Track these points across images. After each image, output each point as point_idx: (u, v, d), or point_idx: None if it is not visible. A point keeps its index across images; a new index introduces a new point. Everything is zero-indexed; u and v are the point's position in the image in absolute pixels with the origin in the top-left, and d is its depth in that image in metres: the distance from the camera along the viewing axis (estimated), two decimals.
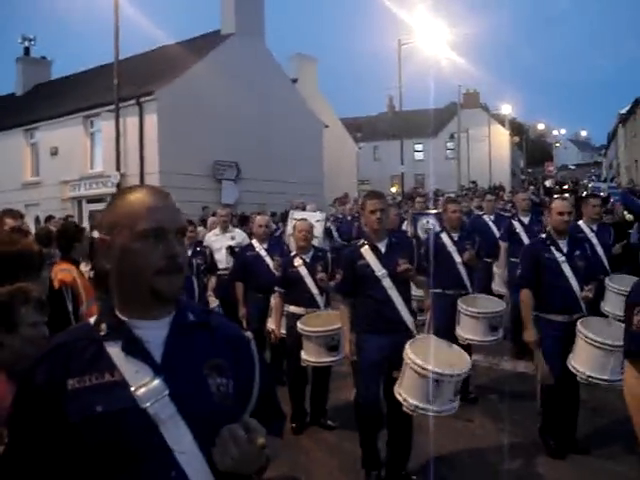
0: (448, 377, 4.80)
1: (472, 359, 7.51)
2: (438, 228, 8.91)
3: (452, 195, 19.56)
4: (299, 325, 6.48)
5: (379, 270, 5.36)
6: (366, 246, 5.49)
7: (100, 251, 1.81)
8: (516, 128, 68.06)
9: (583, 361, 5.52)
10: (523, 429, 6.46)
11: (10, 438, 1.79)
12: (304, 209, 12.54)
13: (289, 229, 10.84)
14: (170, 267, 1.78)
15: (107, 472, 1.67)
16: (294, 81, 31.46)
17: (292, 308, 6.93)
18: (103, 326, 1.79)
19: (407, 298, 5.50)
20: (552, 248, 5.99)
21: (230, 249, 9.68)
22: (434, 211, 13.34)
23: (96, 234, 1.92)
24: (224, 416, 1.74)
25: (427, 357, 4.86)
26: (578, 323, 5.62)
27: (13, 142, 27.62)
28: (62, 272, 5.46)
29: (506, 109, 63.41)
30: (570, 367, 5.60)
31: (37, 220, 16.03)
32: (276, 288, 7.15)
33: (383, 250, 5.44)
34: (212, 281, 8.94)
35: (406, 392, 4.92)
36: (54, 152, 25.64)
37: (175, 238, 1.81)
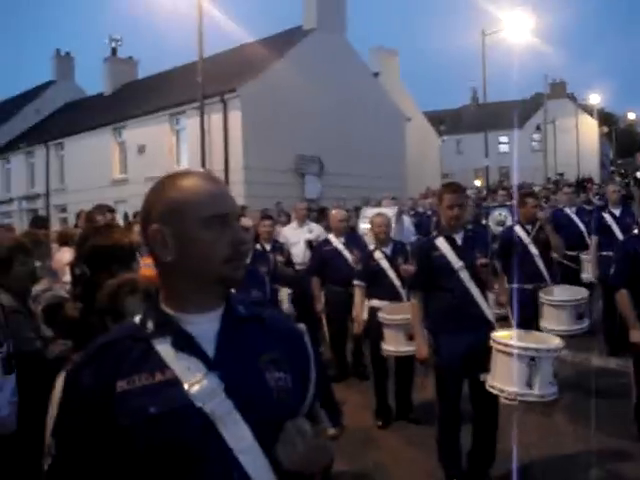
0: (544, 352, 4.58)
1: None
2: (510, 221, 8.70)
3: (536, 188, 19.05)
4: (380, 314, 6.41)
5: (456, 262, 5.17)
6: (441, 238, 5.32)
7: (155, 243, 1.68)
8: (605, 118, 66.03)
9: None
10: (609, 427, 6.19)
11: (57, 447, 1.69)
12: (379, 204, 12.43)
13: (362, 227, 10.76)
14: (238, 254, 1.70)
15: (165, 477, 1.59)
16: (376, 75, 31.33)
17: (375, 302, 6.85)
18: (150, 323, 1.70)
19: (485, 293, 5.29)
20: None
21: (308, 243, 9.68)
22: (508, 203, 13.07)
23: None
24: (284, 412, 1.67)
25: (517, 338, 4.71)
26: None
27: (102, 141, 28.47)
28: (145, 267, 5.55)
29: (594, 99, 61.60)
30: None
31: (125, 216, 16.41)
32: (356, 282, 7.10)
33: (459, 242, 5.26)
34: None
35: (501, 381, 4.69)
36: (141, 150, 26.29)
37: (237, 224, 1.75)
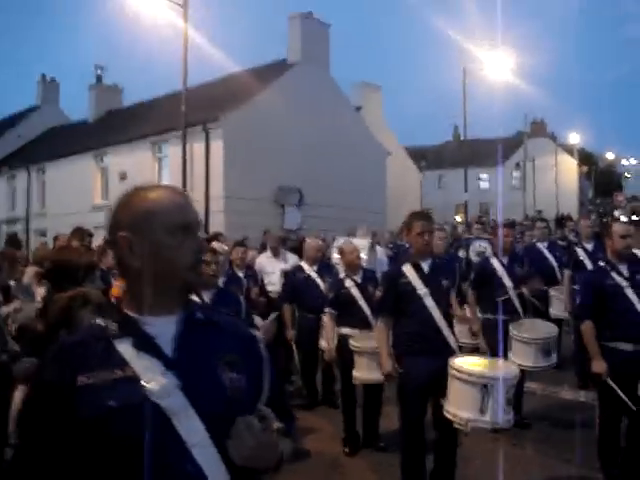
0: (497, 381, 4.62)
1: (528, 388, 7.45)
2: (490, 252, 8.82)
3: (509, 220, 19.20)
4: (351, 342, 6.46)
5: (421, 288, 5.29)
6: (408, 265, 5.44)
7: (122, 250, 1.79)
8: (584, 157, 66.80)
9: None
10: (580, 457, 6.22)
11: (20, 438, 1.80)
12: (354, 235, 12.50)
13: (334, 256, 10.82)
14: (200, 261, 1.86)
15: (121, 468, 1.67)
16: (358, 109, 31.65)
17: (345, 330, 6.90)
18: (112, 324, 1.80)
19: (450, 320, 5.40)
20: (613, 274, 5.72)
21: (285, 273, 9.72)
22: (487, 236, 13.21)
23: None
24: (237, 410, 1.75)
25: (472, 365, 4.79)
26: None
27: (84, 166, 28.48)
28: (116, 288, 5.60)
29: (574, 138, 62.30)
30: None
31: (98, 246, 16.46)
32: (327, 309, 7.16)
33: (426, 270, 5.38)
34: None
35: (455, 406, 4.78)
36: (123, 176, 26.26)
37: (199, 234, 1.87)
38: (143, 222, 1.79)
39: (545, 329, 7.14)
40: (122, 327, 1.79)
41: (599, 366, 5.56)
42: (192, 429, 1.72)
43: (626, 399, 5.30)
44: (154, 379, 1.71)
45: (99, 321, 1.86)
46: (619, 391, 5.37)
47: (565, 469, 6.07)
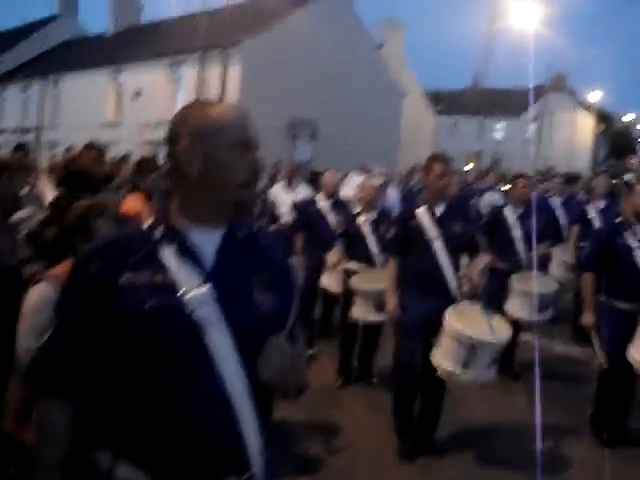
0: (485, 344, 4.70)
1: (523, 339, 7.54)
2: (502, 202, 8.78)
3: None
4: (352, 281, 6.52)
5: (431, 232, 5.31)
6: (422, 207, 5.44)
7: (182, 159, 1.81)
8: (602, 117, 65.83)
9: None
10: (564, 409, 6.42)
11: (57, 323, 1.85)
12: (369, 172, 12.41)
13: (346, 191, 10.78)
14: (255, 180, 1.88)
15: (149, 367, 1.75)
16: (379, 46, 31.20)
17: (350, 265, 6.94)
18: (157, 231, 1.84)
19: (456, 266, 5.42)
20: (626, 233, 5.72)
21: (294, 205, 9.72)
22: (500, 187, 13.14)
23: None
24: (264, 330, 1.81)
25: (465, 322, 4.80)
26: None
27: (99, 81, 28.31)
28: (130, 203, 5.63)
29: (594, 96, 61.32)
30: (629, 357, 5.36)
31: (123, 157, 16.45)
32: (336, 244, 7.20)
33: (439, 214, 5.39)
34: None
35: (441, 357, 4.86)
36: (137, 94, 26.11)
37: (256, 152, 1.88)
38: (205, 134, 1.81)
39: (545, 284, 7.18)
40: (167, 234, 1.82)
41: (588, 318, 5.73)
42: (221, 342, 1.77)
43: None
44: (192, 288, 1.76)
45: (144, 226, 1.90)
46: (597, 344, 5.60)
47: (551, 417, 6.18)
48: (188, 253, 1.81)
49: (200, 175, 1.80)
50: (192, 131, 1.81)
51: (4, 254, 3.87)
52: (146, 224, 1.91)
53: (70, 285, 1.87)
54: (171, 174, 1.89)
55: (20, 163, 5.27)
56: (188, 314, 1.74)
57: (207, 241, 1.84)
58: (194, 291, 1.76)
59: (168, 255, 1.80)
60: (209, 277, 1.80)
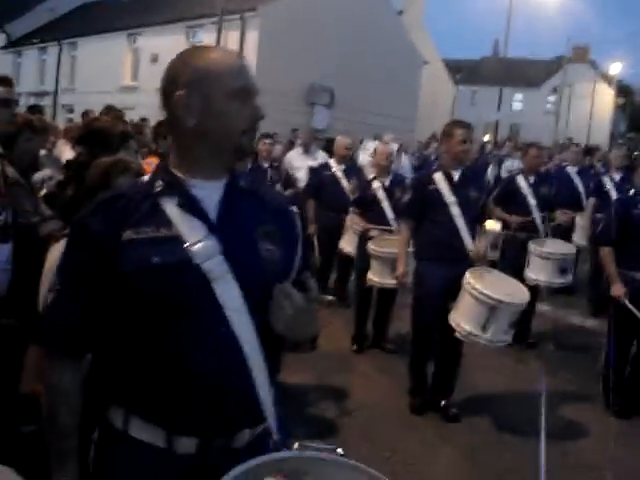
0: (505, 305, 4.76)
1: (540, 309, 7.54)
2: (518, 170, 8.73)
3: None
4: (370, 245, 6.52)
5: (449, 197, 5.30)
6: (439, 172, 5.44)
7: (179, 108, 1.75)
8: (623, 89, 64.99)
9: None
10: (577, 379, 6.47)
11: (62, 283, 1.81)
12: (380, 139, 12.36)
13: (361, 157, 10.74)
14: (255, 128, 1.83)
15: (159, 323, 1.72)
16: (400, 13, 30.88)
17: (369, 228, 6.89)
18: (159, 182, 1.80)
19: (474, 232, 5.41)
20: None
21: (310, 169, 9.72)
22: (518, 155, 13.09)
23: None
24: (271, 280, 1.78)
25: (486, 283, 4.86)
26: None
27: (116, 45, 28.20)
28: (147, 165, 5.62)
29: (615, 68, 60.49)
30: None
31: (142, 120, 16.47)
32: (352, 208, 7.19)
33: (456, 178, 5.38)
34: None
35: (460, 317, 4.92)
36: (154, 59, 25.97)
37: (256, 100, 1.83)
38: (202, 82, 1.75)
39: (564, 247, 7.19)
40: (169, 187, 1.78)
41: (617, 289, 5.62)
42: (230, 294, 1.74)
43: None
44: (197, 241, 1.73)
45: (145, 179, 1.87)
46: (637, 312, 5.45)
47: (565, 387, 6.23)
48: (191, 205, 1.77)
49: (198, 125, 1.75)
50: (187, 81, 1.75)
51: (25, 213, 3.87)
52: (146, 177, 1.89)
53: (72, 244, 1.84)
54: (168, 126, 1.85)
55: (40, 122, 5.24)
56: (196, 267, 1.71)
57: (209, 192, 1.80)
58: (200, 243, 1.73)
59: (170, 208, 1.76)
60: (214, 229, 1.76)
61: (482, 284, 4.84)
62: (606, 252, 5.82)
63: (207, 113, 1.75)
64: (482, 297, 4.76)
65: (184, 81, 1.76)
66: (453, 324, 4.97)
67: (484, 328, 4.78)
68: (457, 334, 4.96)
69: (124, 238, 1.72)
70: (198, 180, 1.80)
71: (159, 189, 1.79)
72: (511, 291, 4.98)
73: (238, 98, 1.77)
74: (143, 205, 1.76)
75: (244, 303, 1.76)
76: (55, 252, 2.77)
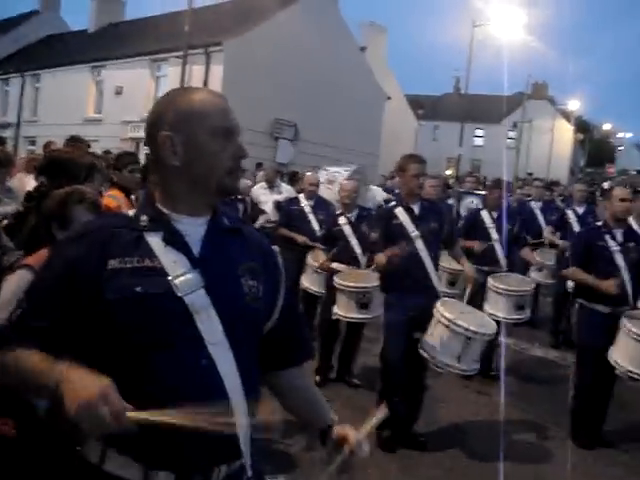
0: (480, 335, 4.90)
1: (501, 341, 7.60)
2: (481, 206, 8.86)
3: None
4: (335, 279, 6.52)
5: (412, 230, 5.40)
6: (400, 207, 5.53)
7: (163, 148, 1.79)
8: (581, 125, 66.43)
9: (624, 355, 5.34)
10: (539, 410, 6.52)
11: (29, 301, 1.79)
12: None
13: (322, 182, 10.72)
14: (238, 167, 1.87)
15: (138, 354, 1.71)
16: (362, 49, 31.31)
17: (333, 265, 6.91)
18: (144, 217, 1.82)
19: (436, 264, 5.54)
20: (607, 236, 5.76)
21: (277, 204, 9.76)
22: (479, 191, 13.29)
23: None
24: (253, 316, 1.84)
25: (458, 314, 4.96)
26: (623, 316, 5.42)
27: (80, 78, 28.15)
28: (108, 198, 5.57)
29: (573, 105, 61.85)
30: (611, 360, 5.42)
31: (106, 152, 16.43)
32: (318, 245, 7.22)
33: (417, 212, 5.49)
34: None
35: (434, 349, 4.99)
36: (118, 92, 26.01)
37: (239, 139, 1.87)
38: (187, 122, 1.79)
39: (521, 283, 7.25)
40: (154, 221, 1.82)
41: (607, 285, 5.54)
42: (211, 328, 1.76)
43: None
44: (181, 274, 1.76)
45: (131, 212, 1.90)
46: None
47: (525, 418, 6.30)
48: (175, 240, 1.80)
49: (183, 165, 1.80)
50: (171, 121, 1.80)
51: None
52: (131, 211, 1.91)
53: (49, 265, 1.85)
54: (153, 164, 1.88)
55: (4, 154, 5.19)
56: (178, 299, 1.73)
57: (193, 228, 1.84)
58: (183, 277, 1.75)
59: (155, 241, 1.79)
60: (197, 264, 1.79)
61: (455, 315, 4.94)
62: (575, 269, 5.83)
63: (192, 153, 1.79)
64: (459, 330, 4.87)
65: (167, 122, 1.81)
66: (427, 356, 5.05)
67: (458, 359, 4.91)
68: (432, 366, 5.09)
69: (109, 267, 1.73)
70: (183, 216, 1.83)
71: (144, 223, 1.81)
72: (481, 322, 5.11)
73: (222, 138, 1.81)
74: (128, 237, 1.79)
75: (225, 337, 1.77)
76: (12, 281, 2.76)
